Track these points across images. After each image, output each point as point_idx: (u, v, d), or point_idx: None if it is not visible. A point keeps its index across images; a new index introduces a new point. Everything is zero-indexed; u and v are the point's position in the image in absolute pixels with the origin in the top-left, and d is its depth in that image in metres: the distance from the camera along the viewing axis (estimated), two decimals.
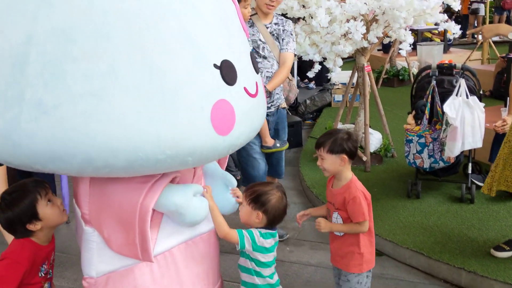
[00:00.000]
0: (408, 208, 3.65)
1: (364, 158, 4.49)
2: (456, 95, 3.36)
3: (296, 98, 7.21)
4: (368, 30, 4.05)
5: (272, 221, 2.01)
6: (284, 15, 3.71)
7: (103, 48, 1.36)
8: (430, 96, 3.51)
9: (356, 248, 2.23)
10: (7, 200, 1.79)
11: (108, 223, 1.69)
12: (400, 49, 4.21)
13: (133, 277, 1.78)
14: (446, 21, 4.39)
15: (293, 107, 7.01)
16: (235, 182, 2.11)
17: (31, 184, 1.82)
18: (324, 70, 6.88)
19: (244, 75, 1.70)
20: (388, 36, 4.34)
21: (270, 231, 2.02)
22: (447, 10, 12.17)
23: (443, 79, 3.54)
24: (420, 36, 9.68)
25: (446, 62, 3.52)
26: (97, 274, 1.75)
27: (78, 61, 1.34)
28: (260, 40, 3.11)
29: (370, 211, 2.23)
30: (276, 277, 2.09)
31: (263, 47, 3.11)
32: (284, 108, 3.37)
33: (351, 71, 7.88)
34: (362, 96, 4.59)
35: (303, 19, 4.13)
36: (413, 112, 3.61)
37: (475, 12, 12.73)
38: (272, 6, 3.07)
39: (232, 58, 1.63)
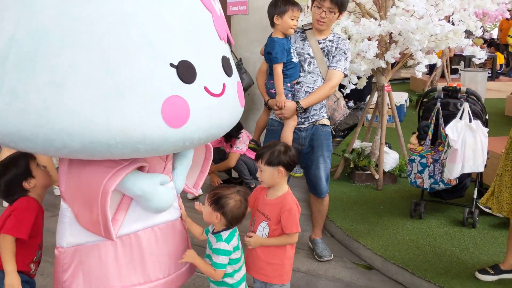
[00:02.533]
0: (408, 227, 3.70)
1: (377, 177, 4.56)
2: (460, 118, 3.40)
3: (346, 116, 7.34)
4: (386, 50, 4.15)
5: (230, 223, 2.17)
6: None
7: (67, 46, 1.60)
8: (434, 118, 3.57)
9: (277, 259, 2.32)
10: (3, 166, 2.13)
11: (78, 201, 1.93)
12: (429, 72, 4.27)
13: (98, 252, 1.99)
14: (472, 45, 4.43)
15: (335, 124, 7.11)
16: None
17: (21, 153, 2.15)
18: (366, 90, 6.97)
19: (206, 76, 1.86)
20: (412, 58, 4.41)
21: (230, 230, 2.19)
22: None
23: (449, 102, 3.59)
24: (467, 62, 9.56)
25: (455, 85, 3.56)
26: (67, 245, 1.99)
27: (46, 56, 1.59)
28: (308, 54, 3.09)
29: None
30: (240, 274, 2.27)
31: (310, 62, 3.09)
32: (323, 125, 3.19)
33: (400, 93, 7.96)
34: (379, 116, 4.67)
35: None
36: (417, 133, 3.66)
37: None
38: (323, 22, 3.02)
39: (193, 60, 1.81)
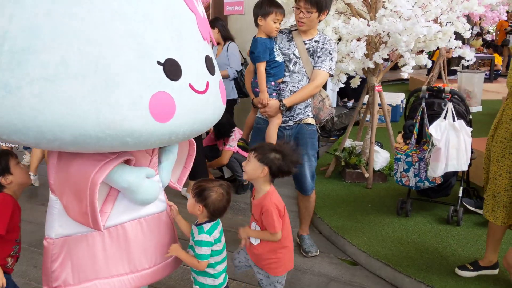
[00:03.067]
0: (394, 225, 3.77)
1: (366, 175, 4.63)
2: (444, 118, 3.47)
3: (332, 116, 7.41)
4: (375, 51, 4.22)
5: (213, 215, 2.26)
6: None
7: (58, 43, 1.69)
8: (419, 117, 3.64)
9: (272, 255, 2.41)
10: None
11: (67, 193, 2.01)
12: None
13: (86, 242, 2.08)
14: (461, 47, 4.50)
15: (322, 127, 7.20)
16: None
17: (3, 150, 2.26)
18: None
19: (191, 74, 1.96)
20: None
21: (212, 223, 2.28)
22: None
23: (434, 102, 3.66)
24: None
25: (440, 86, 3.63)
26: (55, 235, 2.08)
27: (38, 52, 1.68)
28: (293, 54, 3.14)
29: (284, 222, 2.39)
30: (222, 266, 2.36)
31: (295, 62, 3.14)
32: (308, 124, 3.25)
33: (397, 93, 8.02)
34: (371, 115, 4.74)
35: None
36: (403, 132, 3.74)
37: (505, 44, 12.54)
38: (302, 22, 3.07)
39: (178, 58, 1.90)
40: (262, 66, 3.06)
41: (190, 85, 1.95)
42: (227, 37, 5.24)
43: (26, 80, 1.68)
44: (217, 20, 5.29)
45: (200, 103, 2.02)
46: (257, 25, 3.11)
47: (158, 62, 1.84)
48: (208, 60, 2.12)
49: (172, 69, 1.88)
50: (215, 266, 2.31)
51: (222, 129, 4.76)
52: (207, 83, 2.07)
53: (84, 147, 1.82)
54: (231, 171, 4.97)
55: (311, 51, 3.16)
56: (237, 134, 4.87)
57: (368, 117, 5.03)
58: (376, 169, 4.73)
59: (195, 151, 2.58)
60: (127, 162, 2.10)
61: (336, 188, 4.61)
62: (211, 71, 2.14)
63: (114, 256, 2.14)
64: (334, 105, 9.15)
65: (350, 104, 8.77)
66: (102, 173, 1.92)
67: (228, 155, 4.77)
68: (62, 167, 2.02)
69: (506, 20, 11.47)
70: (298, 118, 3.23)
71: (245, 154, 5.01)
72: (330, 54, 3.17)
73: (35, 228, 4.09)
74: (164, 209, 2.31)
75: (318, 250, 3.55)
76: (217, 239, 2.28)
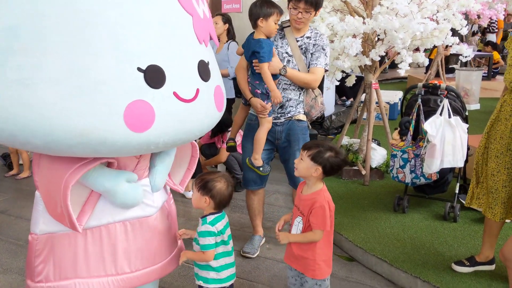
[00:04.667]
0: (390, 221, 3.78)
1: (363, 172, 4.64)
2: (440, 114, 3.48)
3: (323, 114, 7.43)
4: (370, 48, 4.23)
5: (219, 205, 2.29)
6: None
7: (36, 45, 1.65)
8: (415, 114, 3.65)
9: (309, 254, 2.30)
10: None
11: (45, 193, 2.01)
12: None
13: (68, 241, 2.06)
14: (458, 44, 4.51)
15: (319, 122, 7.21)
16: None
17: None
18: None
19: (177, 81, 1.87)
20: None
21: (217, 215, 2.30)
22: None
23: (430, 98, 3.67)
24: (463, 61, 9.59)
25: (436, 82, 3.63)
26: (40, 232, 2.07)
27: (16, 53, 1.64)
28: (286, 52, 3.16)
29: (332, 222, 2.32)
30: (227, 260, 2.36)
31: (288, 60, 3.16)
32: (299, 120, 3.28)
33: (395, 91, 8.03)
34: (368, 113, 4.74)
35: None
36: (399, 128, 3.74)
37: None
38: (301, 22, 3.10)
39: (164, 64, 1.82)
40: (266, 66, 3.03)
41: (175, 93, 1.87)
42: (232, 36, 5.32)
43: (3, 82, 1.64)
44: (229, 19, 5.36)
45: (186, 112, 1.93)
46: (254, 26, 3.08)
47: (139, 69, 1.77)
48: (201, 66, 2.03)
49: (154, 76, 1.79)
50: (218, 258, 2.31)
51: (217, 126, 4.72)
52: (197, 90, 1.97)
53: (57, 152, 1.79)
54: (228, 169, 4.97)
55: (303, 48, 3.17)
56: None
57: (365, 115, 5.03)
58: (373, 166, 4.74)
59: (198, 153, 2.54)
60: (110, 164, 2.06)
61: (333, 185, 4.62)
62: (204, 77, 2.04)
63: (95, 256, 2.11)
64: (332, 103, 9.16)
65: (348, 102, 8.77)
66: (74, 176, 1.87)
67: (226, 153, 4.78)
68: (42, 166, 2.00)
69: (503, 19, 11.48)
70: (289, 115, 3.25)
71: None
72: (324, 49, 3.18)
73: None
74: (152, 213, 2.23)
75: None
76: (220, 231, 2.28)
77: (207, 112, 2.06)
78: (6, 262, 3.41)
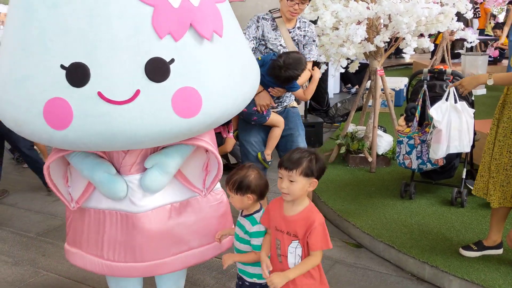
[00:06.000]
0: (397, 207, 3.78)
1: (370, 159, 4.64)
2: (446, 99, 3.46)
3: (328, 101, 7.43)
4: (376, 34, 4.21)
5: (261, 196, 2.15)
6: None
7: None
8: (421, 100, 3.64)
9: (315, 274, 2.04)
10: None
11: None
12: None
13: (80, 214, 2.25)
14: (463, 29, 4.48)
15: (324, 110, 7.21)
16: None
17: None
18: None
19: (105, 81, 1.77)
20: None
21: (261, 211, 2.18)
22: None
23: (435, 84, 3.65)
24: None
25: (441, 68, 3.62)
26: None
27: None
28: (280, 45, 3.21)
29: None
30: None
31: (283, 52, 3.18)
32: (293, 107, 3.44)
33: (400, 78, 7.99)
34: (373, 100, 4.73)
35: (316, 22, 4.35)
36: (405, 115, 3.74)
37: None
38: (296, 13, 3.17)
39: (91, 63, 1.76)
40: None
41: (100, 93, 1.77)
42: None
43: None
44: None
45: (115, 114, 1.80)
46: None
47: (62, 66, 1.76)
48: (152, 64, 1.81)
49: (76, 75, 1.76)
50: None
51: None
52: (137, 91, 1.80)
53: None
54: (235, 158, 5.00)
55: (296, 40, 3.29)
56: None
57: (370, 102, 5.03)
58: (380, 153, 4.74)
59: (217, 156, 2.26)
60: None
61: (339, 173, 4.63)
62: (154, 77, 1.82)
63: (93, 236, 2.23)
64: (337, 91, 9.15)
65: (353, 90, 8.75)
66: (50, 159, 2.11)
67: (232, 143, 4.80)
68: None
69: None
70: (285, 104, 3.41)
71: None
72: (314, 41, 3.36)
73: (42, 218, 4.15)
74: (137, 211, 2.15)
75: None
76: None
77: (154, 116, 1.84)
78: (18, 254, 3.46)
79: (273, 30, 3.23)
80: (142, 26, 1.80)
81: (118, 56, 1.78)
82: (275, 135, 3.32)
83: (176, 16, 1.85)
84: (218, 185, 2.37)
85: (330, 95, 8.04)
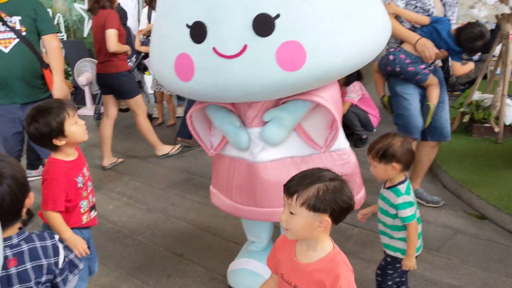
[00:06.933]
0: None
1: (496, 129, 4.39)
2: None
3: (448, 68, 7.03)
4: None
5: (406, 166, 2.09)
6: None
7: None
8: None
9: None
10: (39, 115, 2.01)
11: None
12: None
13: (218, 158, 2.49)
14: None
15: (445, 78, 6.84)
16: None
17: (60, 104, 2.08)
18: (493, 40, 6.55)
19: (218, 37, 1.95)
20: None
21: (407, 182, 2.13)
22: None
23: None
24: None
25: None
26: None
27: None
28: (429, 4, 3.11)
29: None
30: None
31: (432, 12, 3.11)
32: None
33: None
34: (503, 66, 4.43)
35: None
36: None
37: None
38: None
39: (208, 21, 1.96)
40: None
41: (214, 49, 1.96)
42: None
43: None
44: None
45: (227, 68, 1.95)
46: None
47: (187, 25, 2.01)
48: (258, 19, 1.89)
49: (196, 32, 1.99)
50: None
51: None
52: (245, 46, 1.91)
53: None
54: (347, 124, 4.92)
55: (443, 1, 3.21)
56: (356, 86, 4.85)
57: (499, 70, 4.70)
58: (507, 123, 4.46)
59: (332, 112, 2.20)
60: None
61: (462, 142, 4.43)
62: (261, 32, 1.90)
63: (225, 179, 2.43)
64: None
65: (476, 57, 8.18)
66: (191, 110, 2.37)
67: (346, 106, 4.75)
68: None
69: None
70: (436, 62, 3.40)
71: (366, 107, 4.97)
72: (457, 2, 3.25)
73: (169, 172, 4.49)
74: (256, 161, 2.25)
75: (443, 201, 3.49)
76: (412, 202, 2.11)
77: (259, 69, 1.94)
78: (151, 203, 3.82)
79: None
80: None
81: (231, 14, 1.93)
82: (436, 95, 3.25)
83: None
84: (347, 145, 2.39)
85: (450, 62, 7.60)
